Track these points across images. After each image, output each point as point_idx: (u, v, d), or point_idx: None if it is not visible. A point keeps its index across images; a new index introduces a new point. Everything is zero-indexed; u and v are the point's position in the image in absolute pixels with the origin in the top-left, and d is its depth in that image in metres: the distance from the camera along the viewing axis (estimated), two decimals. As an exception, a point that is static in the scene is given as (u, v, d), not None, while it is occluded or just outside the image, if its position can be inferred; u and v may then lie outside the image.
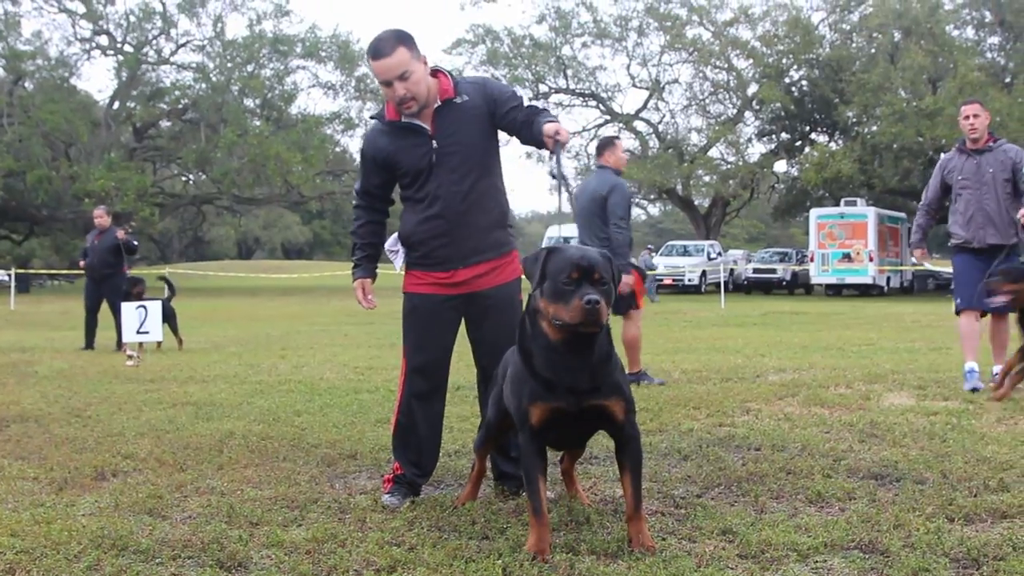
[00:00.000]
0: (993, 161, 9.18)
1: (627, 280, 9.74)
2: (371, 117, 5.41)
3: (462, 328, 5.38)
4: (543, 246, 4.26)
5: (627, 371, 9.91)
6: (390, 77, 4.95)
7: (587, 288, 3.98)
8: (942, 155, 9.92)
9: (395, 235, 5.35)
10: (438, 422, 5.46)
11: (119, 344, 15.18)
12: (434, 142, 5.10)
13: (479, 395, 5.51)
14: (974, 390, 8.85)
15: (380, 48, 4.97)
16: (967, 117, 9.29)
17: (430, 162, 5.10)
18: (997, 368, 9.03)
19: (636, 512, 4.26)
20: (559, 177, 4.95)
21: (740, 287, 44.60)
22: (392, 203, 5.47)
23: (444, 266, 5.18)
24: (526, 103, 5.17)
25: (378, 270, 5.46)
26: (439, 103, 5.12)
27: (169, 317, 15.20)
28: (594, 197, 9.88)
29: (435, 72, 5.16)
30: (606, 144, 10.45)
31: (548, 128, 4.84)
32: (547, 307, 4.08)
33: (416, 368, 5.31)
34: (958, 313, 9.33)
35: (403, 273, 5.38)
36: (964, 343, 9.29)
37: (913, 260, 9.80)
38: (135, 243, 16.46)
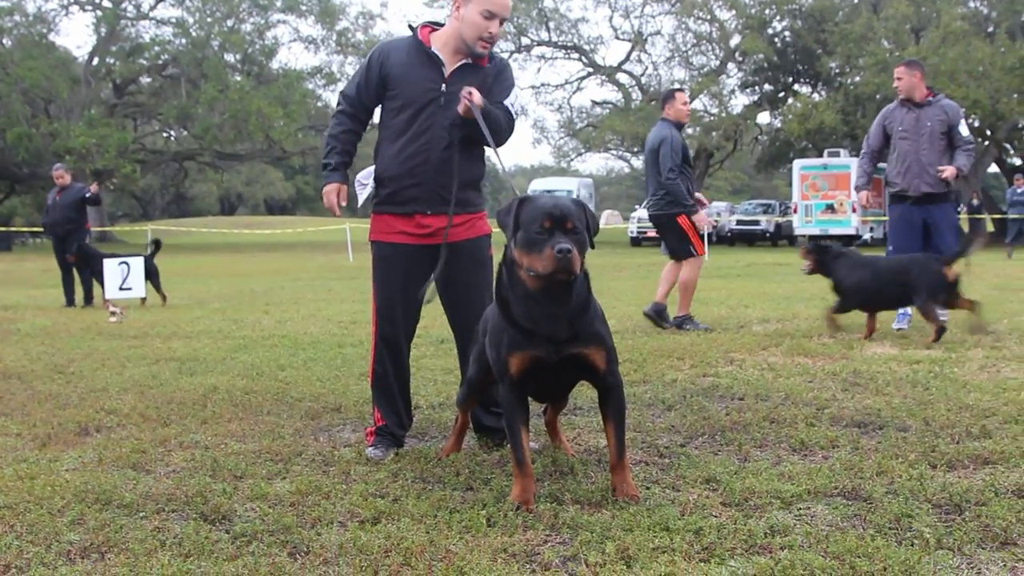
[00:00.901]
0: (931, 115, 9.96)
1: (700, 217, 10.53)
2: (408, 24, 5.39)
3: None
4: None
5: (676, 313, 10.56)
6: (501, 14, 5.13)
7: (559, 237, 3.96)
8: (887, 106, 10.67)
9: (369, 169, 5.32)
10: (408, 372, 5.49)
11: (87, 299, 15.18)
12: (444, 86, 5.12)
13: (457, 350, 5.51)
14: (900, 329, 9.87)
15: None
16: (896, 78, 10.30)
17: (431, 100, 5.11)
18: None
19: (620, 461, 4.27)
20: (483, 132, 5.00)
21: (723, 239, 44.63)
22: (370, 118, 5.44)
23: (410, 207, 5.16)
24: (507, 102, 5.23)
25: (352, 225, 5.43)
26: (469, 61, 5.17)
27: (152, 274, 15.18)
28: (651, 148, 10.66)
29: None
30: (667, 97, 11.00)
31: (464, 88, 4.99)
32: (521, 257, 4.07)
33: (385, 316, 5.32)
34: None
35: (353, 224, 5.37)
36: None
37: (858, 202, 10.52)
38: (99, 196, 16.42)
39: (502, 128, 5.12)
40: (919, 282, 9.02)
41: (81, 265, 15.45)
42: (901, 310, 10.07)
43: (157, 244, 16.38)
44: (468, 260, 5.26)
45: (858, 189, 10.69)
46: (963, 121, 10.02)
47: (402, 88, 5.16)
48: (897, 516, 3.84)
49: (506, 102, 5.20)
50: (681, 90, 11.12)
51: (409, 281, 5.23)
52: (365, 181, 5.31)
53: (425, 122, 5.11)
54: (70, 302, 15.50)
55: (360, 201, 5.35)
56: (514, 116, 5.22)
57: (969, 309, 9.26)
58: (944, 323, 9.08)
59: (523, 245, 4.05)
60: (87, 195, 15.85)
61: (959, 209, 9.90)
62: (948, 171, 9.72)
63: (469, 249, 5.27)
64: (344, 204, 5.42)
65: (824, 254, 9.90)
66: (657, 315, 10.64)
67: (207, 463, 4.95)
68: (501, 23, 5.10)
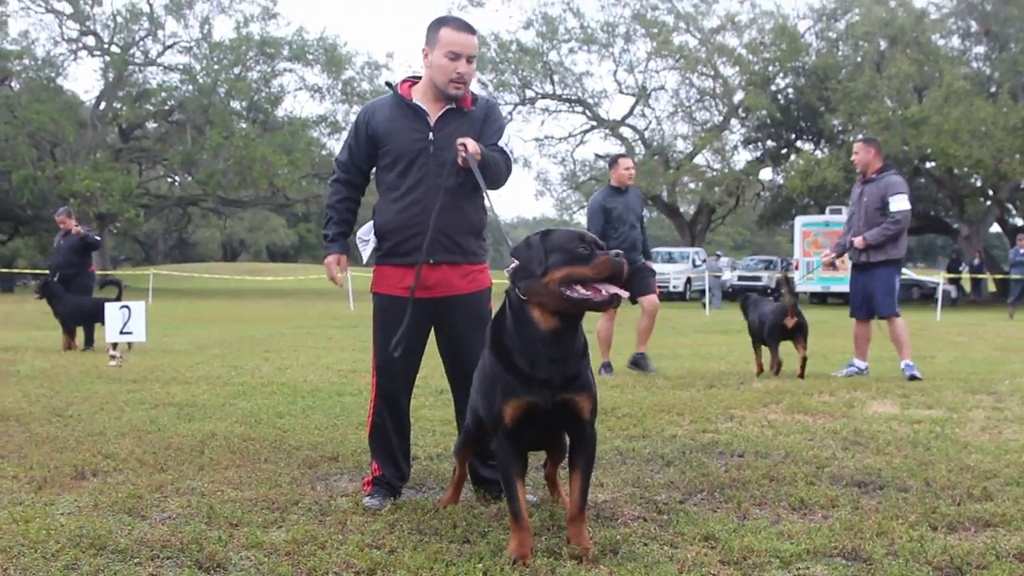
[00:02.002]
0: (872, 191, 11.02)
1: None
2: (386, 83, 5.46)
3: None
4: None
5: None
6: (465, 53, 5.09)
7: (603, 250, 4.08)
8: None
9: (369, 224, 5.35)
10: (407, 423, 5.48)
11: (87, 343, 15.18)
12: (431, 135, 5.15)
13: (455, 402, 5.50)
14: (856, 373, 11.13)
15: (466, 24, 5.18)
16: (854, 153, 11.44)
17: (421, 151, 5.14)
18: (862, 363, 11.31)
19: (580, 512, 4.28)
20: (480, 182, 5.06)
21: (725, 295, 44.63)
22: (368, 182, 5.49)
23: (411, 258, 5.16)
24: (501, 143, 5.26)
25: (353, 274, 5.47)
26: (452, 105, 5.19)
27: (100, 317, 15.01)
28: None
29: None
30: (611, 162, 12.17)
31: (458, 140, 5.03)
32: (562, 273, 4.07)
33: (385, 369, 5.32)
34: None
35: (371, 271, 5.39)
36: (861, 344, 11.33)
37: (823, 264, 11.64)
38: (96, 238, 16.48)
39: (501, 172, 5.18)
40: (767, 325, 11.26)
41: (49, 303, 15.50)
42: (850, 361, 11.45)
43: (118, 285, 16.31)
44: (468, 314, 5.27)
45: (827, 253, 11.87)
46: (898, 196, 10.85)
47: (391, 144, 5.21)
48: (897, 578, 3.82)
49: (500, 143, 5.24)
50: (625, 156, 12.09)
51: (409, 334, 5.23)
52: (366, 237, 5.34)
53: (418, 173, 5.15)
54: (88, 343, 15.48)
55: (364, 257, 5.39)
56: (510, 156, 5.26)
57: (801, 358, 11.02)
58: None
59: (566, 262, 4.08)
60: (80, 241, 15.92)
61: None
62: (856, 241, 10.91)
63: (469, 303, 5.28)
64: (344, 274, 5.50)
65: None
66: (634, 364, 11.75)
67: (203, 510, 4.92)
68: (469, 61, 5.10)
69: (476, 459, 5.28)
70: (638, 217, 11.77)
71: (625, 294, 4.10)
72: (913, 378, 10.52)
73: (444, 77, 5.11)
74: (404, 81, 5.35)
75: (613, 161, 12.07)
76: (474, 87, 5.34)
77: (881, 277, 10.99)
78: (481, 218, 5.36)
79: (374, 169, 5.41)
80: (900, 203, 10.81)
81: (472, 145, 4.97)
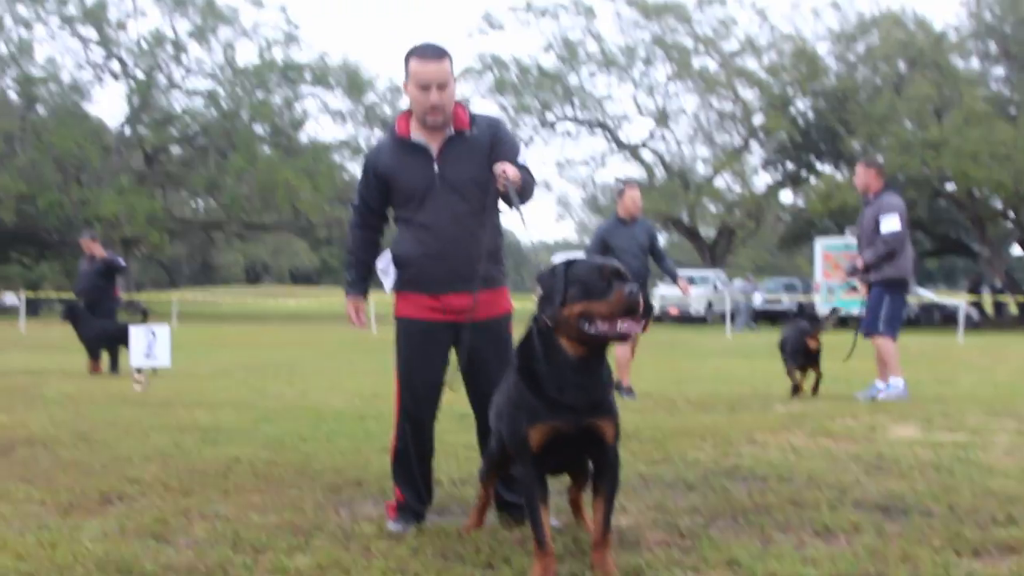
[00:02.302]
0: (870, 212, 11.14)
1: None
2: (381, 123, 5.48)
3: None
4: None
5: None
6: (432, 81, 5.00)
7: (621, 283, 4.07)
8: None
9: (387, 254, 5.37)
10: (431, 449, 5.50)
11: (112, 367, 15.25)
12: (436, 167, 5.15)
13: (477, 426, 5.52)
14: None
15: (431, 51, 5.05)
16: (856, 175, 11.53)
17: (430, 186, 5.14)
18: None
19: (604, 539, 4.28)
20: (515, 208, 5.03)
21: (756, 315, 44.50)
22: (387, 221, 5.50)
23: (433, 288, 5.19)
24: (520, 161, 5.21)
25: (375, 299, 5.49)
26: (452, 132, 5.17)
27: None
28: None
29: (455, 104, 5.21)
30: (618, 192, 12.08)
31: (497, 167, 4.97)
32: (579, 308, 4.10)
33: (409, 393, 5.35)
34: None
35: (393, 296, 5.42)
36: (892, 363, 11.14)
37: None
38: (121, 262, 16.52)
39: (531, 190, 5.17)
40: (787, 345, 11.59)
41: (74, 326, 15.59)
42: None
43: (144, 314, 16.38)
44: (490, 338, 5.29)
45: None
46: (890, 216, 10.89)
47: (400, 184, 5.22)
48: (921, 603, 3.82)
49: (520, 161, 5.21)
50: (633, 186, 12.01)
51: (433, 357, 5.26)
52: (385, 268, 5.36)
53: (431, 205, 5.16)
54: (113, 367, 15.56)
55: (388, 288, 5.41)
56: (531, 173, 5.23)
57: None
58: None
59: (583, 295, 4.10)
60: (104, 265, 15.98)
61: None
62: (856, 263, 11.19)
63: (491, 327, 5.29)
64: (363, 316, 5.59)
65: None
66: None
67: (228, 535, 4.95)
68: (442, 88, 5.02)
69: (500, 483, 5.29)
70: (643, 249, 11.63)
71: (638, 329, 4.09)
72: (873, 399, 10.80)
73: (420, 109, 5.10)
74: (401, 116, 5.31)
75: (620, 192, 11.99)
76: (494, 110, 5.34)
77: (873, 296, 11.14)
78: (497, 242, 5.37)
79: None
80: (889, 224, 10.86)
81: (512, 172, 4.95)
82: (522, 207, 5.00)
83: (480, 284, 5.19)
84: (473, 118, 5.27)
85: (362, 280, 5.51)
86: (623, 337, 4.07)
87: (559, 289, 4.17)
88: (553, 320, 4.19)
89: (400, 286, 5.33)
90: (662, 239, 64.56)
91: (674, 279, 12.26)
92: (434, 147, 5.17)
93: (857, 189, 11.52)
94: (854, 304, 38.20)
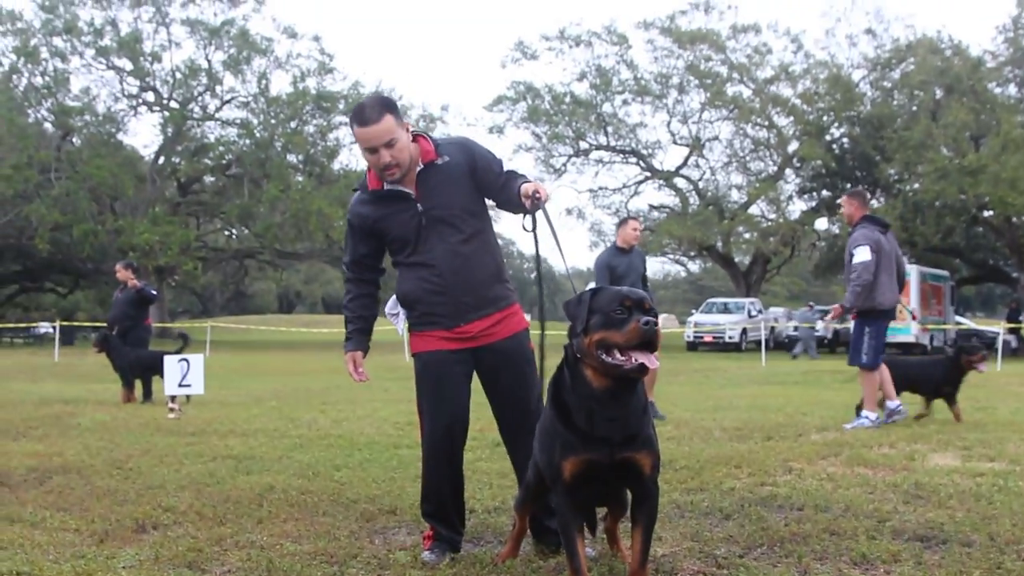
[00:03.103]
0: (849, 244, 11.41)
1: None
2: (353, 189, 5.45)
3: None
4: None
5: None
6: (376, 144, 4.96)
7: (640, 314, 4.03)
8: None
9: (393, 298, 5.37)
10: (461, 479, 5.46)
11: (146, 395, 15.31)
12: (419, 205, 5.13)
13: (508, 451, 5.49)
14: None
15: (366, 115, 4.97)
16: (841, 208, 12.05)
17: (418, 225, 5.13)
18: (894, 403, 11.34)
19: (641, 568, 4.27)
20: (534, 230, 4.99)
21: (781, 345, 44.30)
22: (383, 272, 5.50)
23: (446, 323, 5.17)
24: (505, 168, 5.19)
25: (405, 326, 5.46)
26: (421, 166, 5.15)
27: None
28: None
29: (415, 136, 5.18)
30: (619, 224, 12.63)
31: (526, 188, 4.92)
32: (598, 337, 4.08)
33: (433, 426, 5.30)
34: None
35: (407, 336, 5.41)
36: (885, 387, 11.41)
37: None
38: (153, 292, 16.53)
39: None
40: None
41: (108, 356, 15.67)
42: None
43: (185, 339, 16.43)
44: (509, 359, 5.27)
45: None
46: (859, 248, 11.12)
47: (391, 231, 5.22)
48: (962, 635, 3.76)
49: (511, 170, 5.18)
50: (635, 218, 12.67)
51: (455, 387, 5.23)
52: (394, 311, 5.37)
53: (424, 245, 5.15)
54: (146, 396, 15.60)
55: (400, 329, 5.41)
56: (521, 173, 5.17)
57: None
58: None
59: (602, 325, 4.08)
60: (141, 291, 16.02)
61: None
62: (833, 311, 11.70)
63: (508, 348, 5.27)
64: (363, 370, 5.55)
65: None
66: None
67: (263, 564, 4.95)
68: (390, 146, 4.97)
69: (539, 510, 5.25)
70: (640, 276, 12.13)
71: (654, 364, 4.04)
72: (855, 427, 10.92)
73: (377, 170, 5.11)
74: (369, 170, 5.27)
75: (623, 222, 12.51)
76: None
77: (855, 328, 11.50)
78: (497, 261, 5.35)
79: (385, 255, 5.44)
80: (860, 255, 11.10)
81: (544, 191, 4.91)
82: (514, 210, 4.98)
83: (491, 309, 5.19)
84: (438, 145, 5.22)
85: (360, 334, 5.49)
86: (640, 371, 4.03)
87: (582, 317, 4.16)
88: (578, 349, 4.18)
89: (411, 326, 5.33)
90: (696, 267, 64.27)
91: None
92: (411, 188, 5.15)
93: (846, 218, 11.76)
94: (893, 331, 37.70)
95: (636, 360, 4.01)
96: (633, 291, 4.16)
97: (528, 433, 5.13)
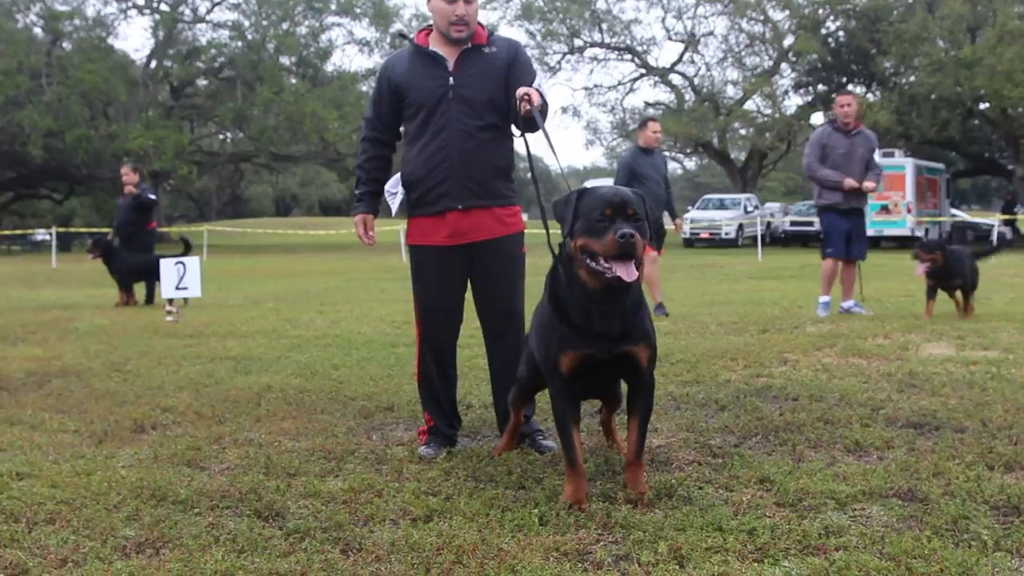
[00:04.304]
0: (861, 143, 11.71)
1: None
2: (399, 34, 5.42)
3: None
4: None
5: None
6: None
7: (621, 223, 3.96)
8: (818, 130, 12.36)
9: (396, 176, 5.33)
10: (454, 374, 5.50)
11: (148, 298, 15.35)
12: (452, 79, 5.12)
13: (487, 351, 5.52)
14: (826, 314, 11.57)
15: None
16: (842, 106, 11.78)
17: (442, 97, 5.11)
18: (847, 303, 11.78)
19: (637, 458, 4.30)
20: (542, 131, 4.94)
21: (777, 240, 44.29)
22: (399, 138, 5.45)
23: (441, 205, 5.15)
24: (535, 86, 5.11)
25: (402, 227, 5.46)
26: (468, 46, 5.15)
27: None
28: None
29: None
30: (640, 124, 12.67)
31: (520, 90, 4.90)
32: (580, 242, 4.06)
33: (427, 320, 5.33)
34: (825, 258, 11.79)
35: (405, 222, 5.38)
36: (824, 281, 11.78)
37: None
38: (150, 197, 16.35)
39: (545, 116, 5.08)
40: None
41: (105, 261, 15.65)
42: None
43: (187, 244, 16.36)
44: (500, 257, 5.27)
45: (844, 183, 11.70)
46: (877, 150, 11.98)
47: (412, 93, 5.19)
48: (954, 518, 3.80)
49: (537, 86, 5.11)
50: (654, 119, 12.68)
51: (448, 283, 5.25)
52: (394, 190, 5.32)
53: (441, 119, 5.12)
54: (148, 299, 15.68)
55: (394, 210, 5.39)
56: (544, 99, 5.14)
57: None
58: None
59: (583, 232, 4.05)
60: (138, 197, 15.92)
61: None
62: (868, 185, 11.55)
63: (501, 246, 5.26)
64: (372, 233, 5.50)
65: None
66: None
67: (261, 461, 4.98)
68: (468, 1, 5.04)
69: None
70: (663, 177, 12.29)
71: (631, 277, 3.98)
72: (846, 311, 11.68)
73: (444, 21, 5.09)
74: (421, 31, 5.31)
75: (642, 123, 12.57)
76: (522, 37, 5.29)
77: (862, 222, 11.91)
78: (508, 159, 5.33)
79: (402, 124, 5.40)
80: (877, 156, 11.73)
81: (536, 96, 4.88)
82: (549, 138, 4.96)
83: (490, 201, 5.17)
84: (491, 36, 5.25)
85: (372, 196, 5.45)
86: (617, 282, 3.98)
87: (568, 220, 4.13)
88: (568, 250, 4.16)
89: (409, 209, 5.31)
90: (692, 163, 63.91)
91: (672, 216, 13.03)
92: (450, 59, 5.15)
93: (846, 119, 11.76)
94: (887, 225, 37.71)
95: (613, 272, 3.99)
96: (619, 194, 4.07)
97: (509, 336, 5.21)
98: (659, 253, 12.42)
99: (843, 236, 11.61)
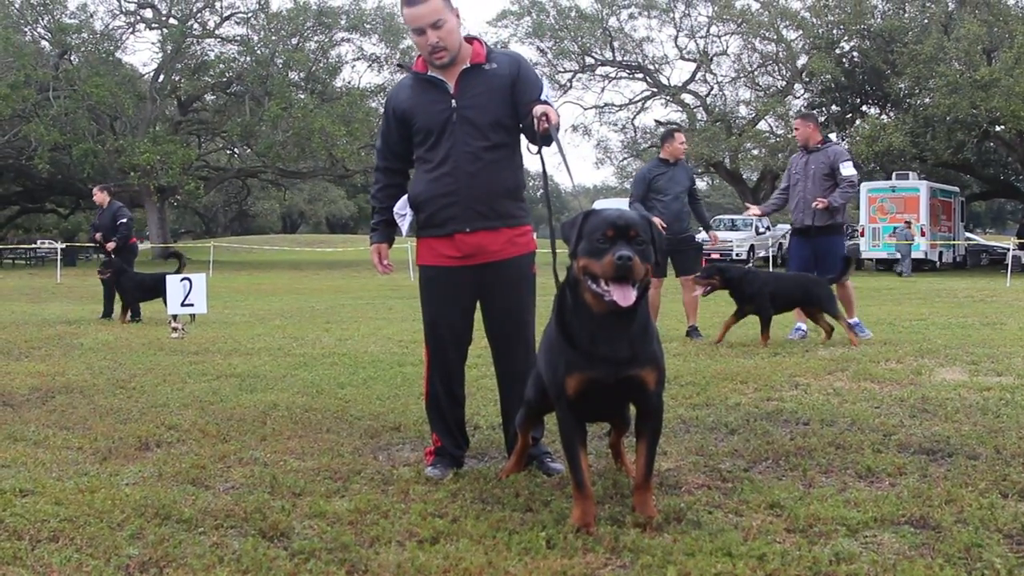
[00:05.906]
0: (818, 159, 11.64)
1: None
2: (398, 65, 5.42)
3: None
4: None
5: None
6: (423, 24, 4.95)
7: (621, 245, 3.93)
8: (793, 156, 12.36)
9: (404, 198, 5.32)
10: (462, 394, 5.46)
11: (124, 313, 15.44)
12: (454, 101, 5.09)
13: (496, 375, 5.49)
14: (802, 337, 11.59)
15: None
16: (794, 129, 12.17)
17: (447, 120, 5.08)
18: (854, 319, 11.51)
19: (645, 482, 4.26)
20: (549, 152, 4.96)
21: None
22: (412, 165, 5.42)
23: (449, 227, 5.12)
24: (543, 98, 5.09)
25: (412, 244, 5.44)
26: (468, 65, 5.11)
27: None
28: None
29: (470, 40, 5.17)
30: (665, 136, 12.53)
31: (536, 108, 4.86)
32: (582, 264, 4.04)
33: (436, 338, 5.31)
34: None
35: (414, 243, 5.37)
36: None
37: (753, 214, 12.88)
38: (123, 220, 16.61)
39: (557, 130, 5.04)
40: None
41: (118, 280, 15.63)
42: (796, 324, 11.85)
43: (180, 258, 16.36)
44: (510, 279, 5.23)
45: (762, 210, 12.65)
46: (847, 162, 11.53)
47: (418, 119, 5.16)
48: (967, 546, 3.75)
49: (545, 99, 5.08)
50: (680, 131, 12.73)
51: (456, 305, 5.22)
52: (402, 211, 5.30)
53: (447, 141, 5.09)
54: (107, 314, 15.96)
55: (404, 231, 5.37)
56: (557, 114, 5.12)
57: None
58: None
59: (585, 254, 4.03)
60: (112, 218, 16.25)
61: None
62: (819, 203, 11.31)
63: (510, 267, 5.23)
64: (387, 262, 5.55)
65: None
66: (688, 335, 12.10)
67: (266, 480, 4.94)
68: (437, 27, 4.95)
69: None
70: (685, 189, 12.10)
71: (626, 301, 3.94)
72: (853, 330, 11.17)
73: (424, 52, 5.06)
74: (420, 57, 5.25)
75: (668, 134, 12.42)
76: (533, 55, 5.26)
77: (835, 243, 11.72)
78: (517, 179, 5.29)
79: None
80: (850, 169, 11.48)
81: (554, 116, 4.84)
82: (564, 157, 4.93)
83: (499, 222, 5.13)
84: (491, 52, 5.20)
85: (386, 226, 5.45)
86: (614, 306, 3.95)
87: (572, 240, 4.12)
88: (574, 272, 4.14)
89: (418, 230, 5.29)
90: (704, 183, 63.93)
91: (706, 228, 12.97)
92: (450, 82, 5.11)
93: (799, 141, 11.97)
94: (890, 248, 37.32)
95: (610, 296, 3.95)
96: (622, 216, 4.04)
97: (519, 359, 5.18)
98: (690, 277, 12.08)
99: (803, 262, 11.72)
